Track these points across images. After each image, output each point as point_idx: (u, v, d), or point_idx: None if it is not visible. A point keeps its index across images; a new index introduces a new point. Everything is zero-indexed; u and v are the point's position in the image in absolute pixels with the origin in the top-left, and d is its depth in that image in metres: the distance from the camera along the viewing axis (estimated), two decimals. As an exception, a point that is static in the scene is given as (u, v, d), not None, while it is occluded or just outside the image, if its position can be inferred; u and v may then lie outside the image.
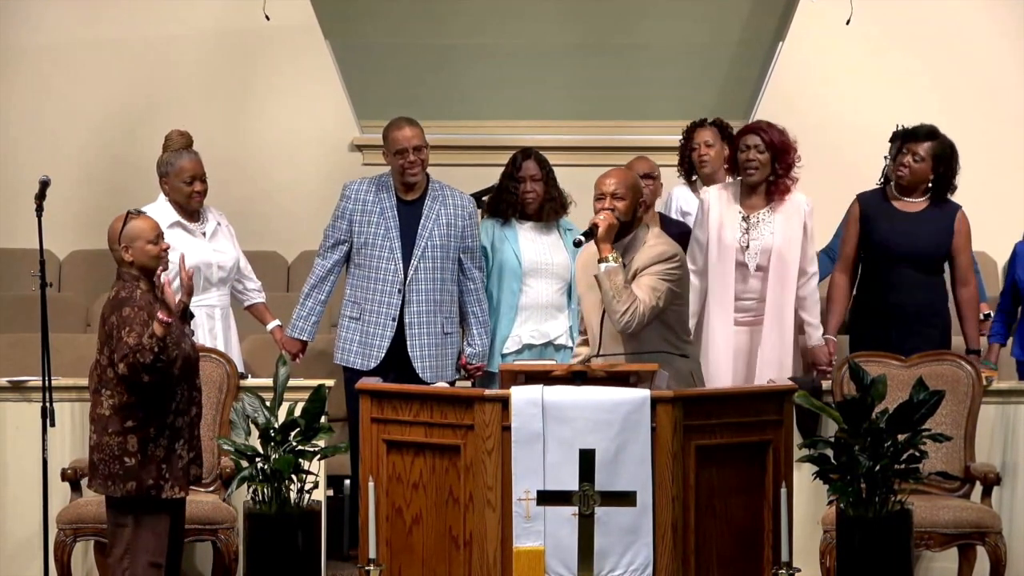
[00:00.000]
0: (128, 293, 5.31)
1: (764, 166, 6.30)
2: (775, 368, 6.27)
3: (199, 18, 8.93)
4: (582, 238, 5.48)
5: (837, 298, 6.54)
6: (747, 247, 6.30)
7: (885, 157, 6.74)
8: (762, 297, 6.31)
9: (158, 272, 5.34)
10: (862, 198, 6.52)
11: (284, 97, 9.06)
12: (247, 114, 9.02)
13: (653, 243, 5.55)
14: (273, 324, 6.72)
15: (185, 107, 8.56)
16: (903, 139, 6.46)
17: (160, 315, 5.16)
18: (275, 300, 7.12)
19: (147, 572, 5.31)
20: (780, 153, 6.31)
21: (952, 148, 6.42)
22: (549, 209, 6.63)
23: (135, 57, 8.93)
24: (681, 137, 7.05)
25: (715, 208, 6.38)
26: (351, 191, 6.55)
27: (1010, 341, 6.78)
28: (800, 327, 6.40)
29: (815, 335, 6.38)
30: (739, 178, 6.44)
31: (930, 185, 6.44)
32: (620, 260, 5.45)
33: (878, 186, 6.63)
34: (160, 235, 5.39)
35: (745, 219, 6.33)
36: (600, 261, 5.44)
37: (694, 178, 7.04)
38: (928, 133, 6.41)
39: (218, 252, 6.54)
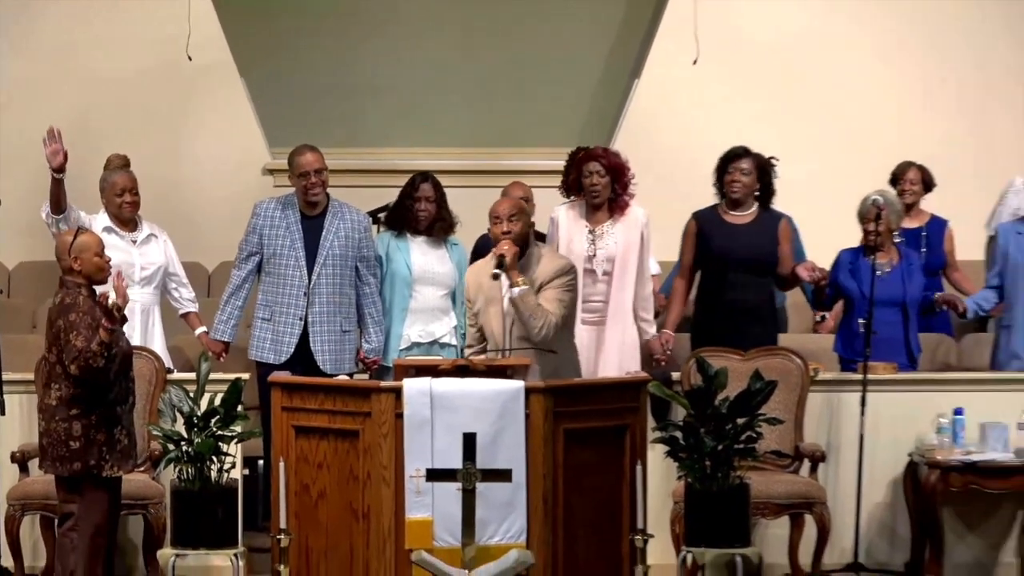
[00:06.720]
0: (72, 299, 5.49)
1: (606, 188, 6.61)
2: (617, 360, 6.50)
3: (134, 57, 9.17)
4: (498, 271, 5.67)
5: (676, 300, 6.84)
6: (594, 255, 6.59)
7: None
8: (607, 299, 6.56)
9: (103, 289, 5.53)
10: (698, 215, 6.82)
11: (206, 126, 9.30)
12: (174, 141, 9.24)
13: (550, 258, 5.83)
14: (200, 330, 7.01)
15: (120, 133, 8.73)
16: (725, 161, 6.72)
17: (105, 323, 5.38)
18: (198, 304, 7.28)
19: (93, 541, 5.51)
20: (618, 174, 6.61)
21: (767, 161, 6.71)
22: (439, 228, 6.90)
23: (78, 89, 9.13)
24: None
25: (564, 225, 6.67)
26: (261, 209, 6.80)
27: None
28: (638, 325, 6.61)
29: (649, 331, 6.64)
30: (583, 200, 6.69)
31: (756, 195, 6.73)
32: (528, 282, 5.70)
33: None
34: (103, 249, 5.66)
35: (591, 232, 6.62)
36: (512, 286, 5.68)
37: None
38: (745, 150, 6.70)
39: (142, 256, 6.90)
